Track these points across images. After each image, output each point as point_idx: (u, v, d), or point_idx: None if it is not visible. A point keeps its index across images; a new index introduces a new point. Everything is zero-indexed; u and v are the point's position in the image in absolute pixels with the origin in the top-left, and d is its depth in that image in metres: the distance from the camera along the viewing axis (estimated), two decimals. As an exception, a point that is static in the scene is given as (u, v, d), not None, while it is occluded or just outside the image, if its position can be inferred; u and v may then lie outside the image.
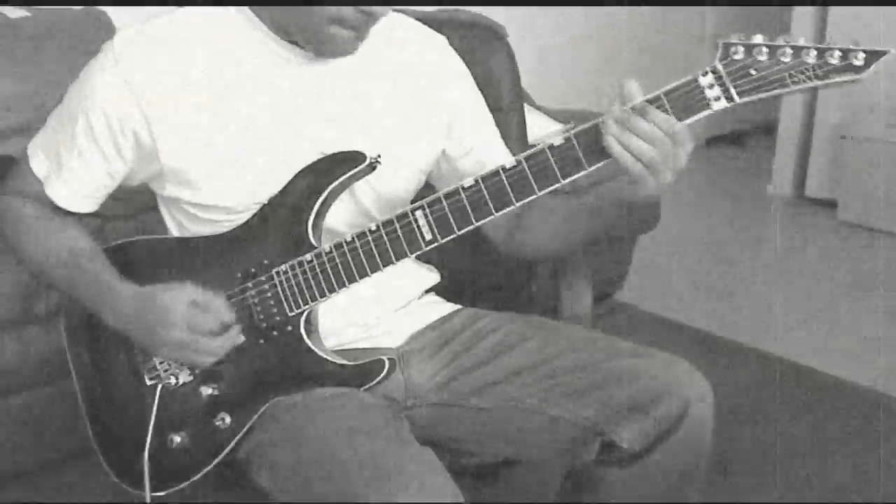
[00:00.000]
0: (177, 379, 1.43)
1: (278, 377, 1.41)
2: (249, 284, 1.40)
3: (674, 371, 1.41)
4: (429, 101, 1.51)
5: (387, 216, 1.35)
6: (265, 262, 1.40)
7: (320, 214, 1.39)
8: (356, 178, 1.39)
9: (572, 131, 1.28)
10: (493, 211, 1.32)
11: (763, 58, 1.22)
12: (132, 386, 1.47)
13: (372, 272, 1.36)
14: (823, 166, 4.81)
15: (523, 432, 1.48)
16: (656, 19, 5.26)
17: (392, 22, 1.49)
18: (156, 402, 1.43)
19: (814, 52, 1.20)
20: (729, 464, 2.41)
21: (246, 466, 1.42)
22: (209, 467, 1.43)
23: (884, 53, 1.19)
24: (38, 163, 1.44)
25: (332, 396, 1.38)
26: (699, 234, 4.46)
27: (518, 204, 1.31)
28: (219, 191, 1.40)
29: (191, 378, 1.43)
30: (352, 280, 1.37)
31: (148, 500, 1.44)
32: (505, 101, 1.88)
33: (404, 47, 1.51)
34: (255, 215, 1.41)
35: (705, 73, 1.24)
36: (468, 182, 1.32)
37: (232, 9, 1.39)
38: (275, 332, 1.40)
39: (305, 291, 1.38)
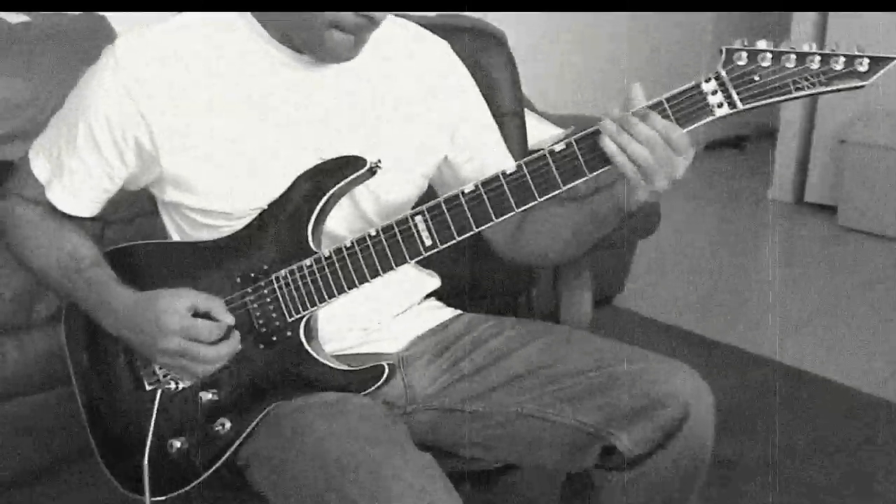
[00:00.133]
0: (176, 384, 1.43)
1: (278, 382, 1.40)
2: (249, 290, 1.40)
3: (674, 375, 1.40)
4: (431, 106, 1.51)
5: (387, 222, 1.35)
6: (265, 267, 1.39)
7: (320, 219, 1.39)
8: (356, 182, 1.39)
9: (573, 137, 1.28)
10: (494, 217, 1.32)
11: (766, 64, 1.22)
12: (132, 390, 1.47)
13: (372, 277, 1.36)
14: (823, 171, 4.81)
15: (523, 437, 1.48)
16: (658, 25, 5.26)
17: (394, 28, 1.49)
18: (155, 406, 1.43)
19: (818, 59, 1.20)
20: (728, 469, 2.41)
21: (245, 471, 1.42)
22: (209, 472, 1.42)
23: (890, 60, 1.18)
24: (40, 167, 1.44)
25: (332, 402, 1.37)
26: (699, 239, 4.46)
27: (518, 210, 1.31)
28: (219, 195, 1.40)
29: (190, 383, 1.43)
30: (351, 285, 1.37)
31: (147, 505, 1.44)
32: (505, 107, 1.88)
33: (407, 53, 1.51)
34: (254, 220, 1.41)
35: (708, 80, 1.24)
36: (468, 188, 1.32)
37: (233, 14, 1.39)
38: (274, 338, 1.40)
39: (305, 297, 1.38)
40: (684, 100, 1.24)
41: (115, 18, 2.83)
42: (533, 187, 1.30)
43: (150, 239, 1.50)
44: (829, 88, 1.21)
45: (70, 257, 1.43)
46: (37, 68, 2.59)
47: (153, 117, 1.35)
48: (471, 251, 1.54)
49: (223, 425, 1.41)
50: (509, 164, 1.31)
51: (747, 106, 1.23)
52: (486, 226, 1.32)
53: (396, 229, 1.34)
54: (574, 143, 1.28)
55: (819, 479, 2.42)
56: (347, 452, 1.26)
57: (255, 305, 1.40)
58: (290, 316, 1.39)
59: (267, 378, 1.41)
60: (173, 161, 1.38)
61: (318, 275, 1.37)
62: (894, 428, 2.67)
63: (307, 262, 1.37)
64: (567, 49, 4.71)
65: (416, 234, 1.34)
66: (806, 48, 1.21)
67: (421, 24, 1.57)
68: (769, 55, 1.21)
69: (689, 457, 1.40)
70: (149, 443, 1.42)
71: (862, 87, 1.20)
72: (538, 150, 1.30)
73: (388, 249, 1.35)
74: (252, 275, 1.40)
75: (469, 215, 1.32)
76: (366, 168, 1.36)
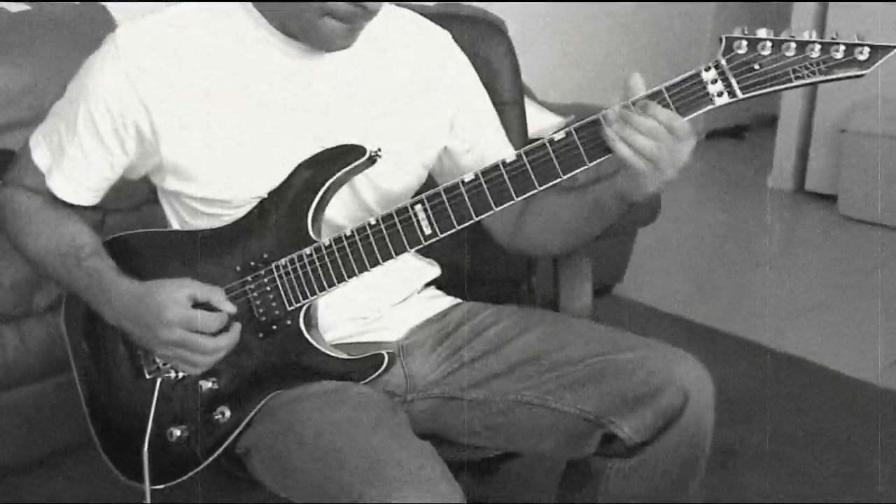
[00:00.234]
0: (176, 372, 1.43)
1: (278, 371, 1.41)
2: (249, 278, 1.40)
3: (674, 362, 1.41)
4: (431, 96, 1.51)
5: (386, 210, 1.35)
6: (265, 256, 1.40)
7: (320, 208, 1.39)
8: (356, 171, 1.39)
9: (573, 126, 1.28)
10: (493, 205, 1.32)
11: (766, 52, 1.22)
12: (132, 379, 1.47)
13: (371, 266, 1.36)
14: (824, 160, 4.81)
15: (524, 425, 1.48)
16: (658, 14, 5.25)
17: (395, 17, 1.49)
18: (155, 395, 1.43)
19: (818, 47, 1.20)
20: (728, 457, 2.41)
21: (245, 460, 1.43)
22: (209, 461, 1.43)
23: (891, 49, 1.18)
24: (40, 155, 1.44)
25: (332, 390, 1.38)
26: (699, 228, 4.46)
27: (518, 199, 1.31)
28: (218, 184, 1.40)
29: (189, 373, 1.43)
30: (351, 274, 1.37)
31: (147, 493, 1.44)
32: (505, 96, 1.88)
33: (407, 42, 1.51)
34: (254, 209, 1.41)
35: (708, 68, 1.24)
36: (468, 177, 1.32)
37: (232, 3, 1.39)
38: (274, 327, 1.40)
39: (305, 285, 1.38)
40: (684, 88, 1.24)
41: (115, 7, 2.83)
42: (533, 176, 1.30)
43: (150, 228, 1.51)
44: (829, 77, 1.21)
45: (70, 246, 1.43)
46: (37, 57, 2.59)
47: (154, 105, 1.35)
48: (470, 240, 1.54)
49: (223, 414, 1.42)
50: (509, 154, 1.31)
51: (747, 94, 1.23)
52: (486, 214, 1.32)
53: (396, 218, 1.35)
54: (574, 132, 1.28)
55: (817, 466, 2.43)
56: (347, 441, 1.26)
57: (255, 294, 1.40)
58: (290, 305, 1.39)
59: (267, 367, 1.41)
60: (173, 149, 1.38)
61: (317, 264, 1.37)
62: (894, 416, 2.67)
63: (307, 250, 1.37)
64: (567, 38, 4.71)
65: (415, 223, 1.34)
66: (806, 36, 1.21)
67: (421, 13, 1.56)
68: (769, 44, 1.21)
69: (689, 444, 1.40)
70: (149, 431, 1.42)
71: (862, 75, 1.20)
72: (538, 140, 1.30)
73: (387, 238, 1.35)
74: (252, 264, 1.40)
75: (469, 204, 1.32)
76: (365, 157, 1.36)
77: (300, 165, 1.38)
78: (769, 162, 5.14)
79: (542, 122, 2.98)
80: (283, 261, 1.38)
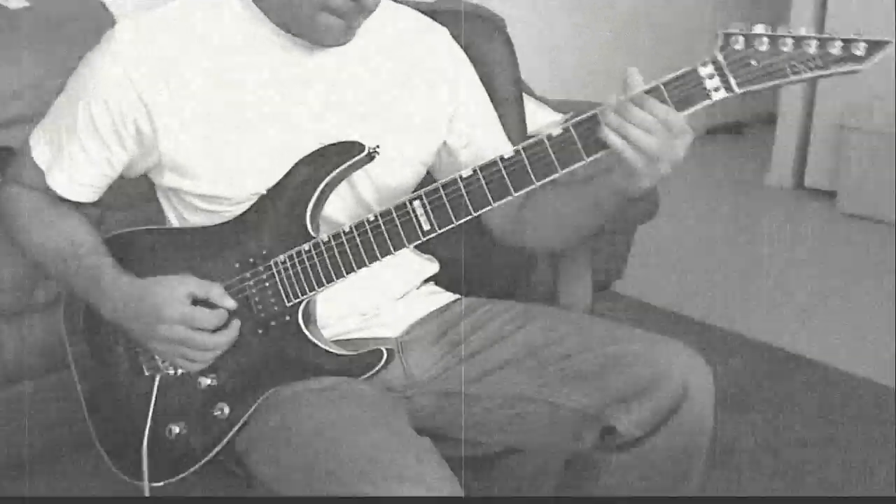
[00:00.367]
0: (175, 369, 1.43)
1: (277, 367, 1.41)
2: (248, 275, 1.40)
3: (673, 355, 1.41)
4: (430, 92, 1.51)
5: (385, 206, 1.35)
6: (263, 252, 1.40)
7: (318, 205, 1.39)
8: (354, 168, 1.39)
9: (570, 121, 1.28)
10: (491, 201, 1.32)
11: (764, 48, 1.22)
12: (131, 376, 1.47)
13: (370, 262, 1.36)
14: (823, 157, 4.80)
15: (523, 420, 1.49)
16: (657, 10, 5.25)
17: (394, 13, 1.49)
18: (154, 391, 1.44)
19: (815, 43, 1.20)
20: (727, 454, 2.41)
21: (244, 456, 1.43)
22: (208, 457, 1.43)
23: (886, 44, 1.18)
24: (40, 152, 1.44)
25: (331, 386, 1.38)
26: (698, 224, 4.45)
27: (516, 194, 1.31)
28: (217, 181, 1.40)
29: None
30: (350, 270, 1.37)
31: (146, 490, 1.44)
32: (504, 92, 1.88)
33: (406, 38, 1.51)
34: (253, 206, 1.41)
35: (705, 64, 1.24)
36: (466, 172, 1.32)
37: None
38: (273, 323, 1.40)
39: (303, 281, 1.38)
40: (681, 84, 1.24)
41: (113, 4, 2.82)
42: (531, 171, 1.30)
43: (149, 225, 1.51)
44: (826, 72, 1.20)
45: (69, 243, 1.43)
46: (36, 54, 2.58)
47: (152, 102, 1.35)
48: (469, 236, 1.54)
49: (222, 410, 1.42)
50: (507, 149, 1.31)
51: (744, 90, 1.23)
52: (484, 210, 1.33)
53: (395, 214, 1.35)
54: (571, 128, 1.28)
55: (817, 463, 2.43)
56: (346, 437, 1.26)
57: (254, 290, 1.40)
58: (289, 301, 1.39)
59: (266, 363, 1.41)
60: (172, 145, 1.38)
61: (316, 259, 1.37)
62: (893, 413, 2.67)
63: (306, 246, 1.37)
64: (566, 34, 4.70)
65: (414, 219, 1.34)
66: (803, 32, 1.21)
67: (420, 10, 1.57)
68: (766, 39, 1.21)
69: (689, 435, 1.40)
70: (147, 428, 1.43)
71: (859, 71, 1.20)
72: (536, 135, 1.30)
73: (386, 234, 1.35)
74: (251, 260, 1.40)
75: (467, 200, 1.32)
76: (364, 153, 1.36)
77: (299, 162, 1.38)
78: (768, 158, 5.13)
79: (541, 119, 2.97)
80: (281, 257, 1.38)
